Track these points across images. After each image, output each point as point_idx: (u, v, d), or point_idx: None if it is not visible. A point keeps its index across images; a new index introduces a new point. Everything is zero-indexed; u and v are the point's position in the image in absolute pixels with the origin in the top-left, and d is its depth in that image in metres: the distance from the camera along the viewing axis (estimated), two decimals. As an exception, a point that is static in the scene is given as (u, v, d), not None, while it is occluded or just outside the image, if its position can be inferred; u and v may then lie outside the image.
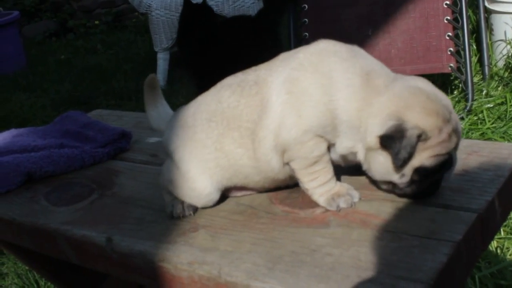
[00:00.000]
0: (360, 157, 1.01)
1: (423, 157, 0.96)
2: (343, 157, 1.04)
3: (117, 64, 5.21)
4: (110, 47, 5.95)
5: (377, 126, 0.96)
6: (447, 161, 0.97)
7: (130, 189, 1.28)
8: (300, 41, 3.35)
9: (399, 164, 0.96)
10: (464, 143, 1.20)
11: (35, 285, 2.17)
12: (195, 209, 1.11)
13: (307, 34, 3.32)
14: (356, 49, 1.05)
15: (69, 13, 7.31)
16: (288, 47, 3.42)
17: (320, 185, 1.03)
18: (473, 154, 1.14)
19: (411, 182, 0.98)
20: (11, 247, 1.48)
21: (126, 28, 6.71)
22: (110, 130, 1.54)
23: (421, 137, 0.94)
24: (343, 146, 1.01)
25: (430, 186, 1.00)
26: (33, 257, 1.55)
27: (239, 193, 1.14)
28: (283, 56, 1.08)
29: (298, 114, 1.00)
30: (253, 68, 1.09)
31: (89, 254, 1.11)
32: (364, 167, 1.02)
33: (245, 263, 0.91)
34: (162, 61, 4.36)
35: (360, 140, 0.99)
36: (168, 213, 1.11)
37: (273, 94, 1.02)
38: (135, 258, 1.02)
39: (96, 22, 6.90)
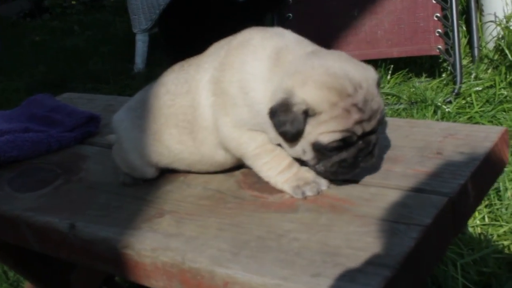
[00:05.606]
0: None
1: (317, 132, 0.93)
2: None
3: (94, 46, 5.11)
4: (87, 28, 5.84)
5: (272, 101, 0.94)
6: (348, 138, 0.93)
7: (97, 174, 1.25)
8: (284, 21, 3.28)
9: (286, 138, 0.95)
10: (440, 126, 1.18)
11: (4, 276, 2.12)
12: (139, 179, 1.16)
13: (291, 15, 3.25)
14: (277, 30, 1.03)
15: (46, -7, 7.13)
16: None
17: (278, 173, 1.01)
18: (448, 137, 1.12)
19: (318, 159, 0.96)
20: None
21: (104, 8, 6.59)
22: (78, 114, 1.49)
23: (308, 112, 0.91)
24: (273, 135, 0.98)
25: (346, 165, 0.96)
26: (-1, 246, 1.51)
27: None
28: (212, 50, 1.08)
29: (225, 113, 1.01)
30: (188, 61, 1.11)
31: (52, 241, 1.07)
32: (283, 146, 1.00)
33: (210, 249, 0.89)
34: (141, 43, 4.27)
35: None
36: (120, 182, 1.18)
37: (201, 95, 1.04)
38: (98, 245, 0.99)
39: (73, 1, 6.76)
